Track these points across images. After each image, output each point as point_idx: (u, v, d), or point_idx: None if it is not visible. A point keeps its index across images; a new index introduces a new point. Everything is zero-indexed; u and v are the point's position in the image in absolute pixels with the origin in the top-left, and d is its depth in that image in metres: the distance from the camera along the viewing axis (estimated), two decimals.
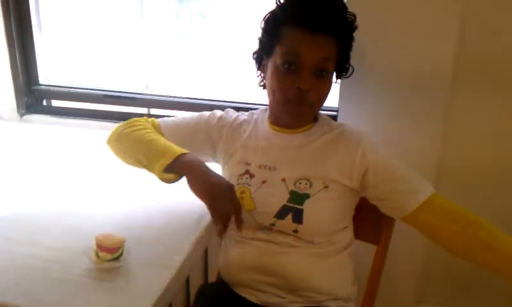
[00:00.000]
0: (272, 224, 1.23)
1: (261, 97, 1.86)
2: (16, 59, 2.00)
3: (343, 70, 1.28)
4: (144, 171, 1.61)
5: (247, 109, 1.85)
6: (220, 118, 1.37)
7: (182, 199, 1.42)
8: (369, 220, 1.33)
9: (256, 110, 1.40)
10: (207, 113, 1.39)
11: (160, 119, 1.39)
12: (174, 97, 1.98)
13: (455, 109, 1.57)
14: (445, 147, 1.61)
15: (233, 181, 1.27)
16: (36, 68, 2.07)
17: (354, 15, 1.21)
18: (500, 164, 1.62)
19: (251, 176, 1.27)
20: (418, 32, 1.50)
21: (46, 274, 1.06)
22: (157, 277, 1.06)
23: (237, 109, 1.86)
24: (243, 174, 1.28)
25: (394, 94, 1.57)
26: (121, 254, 1.08)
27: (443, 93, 1.53)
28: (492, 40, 1.50)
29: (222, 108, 1.42)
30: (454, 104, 1.56)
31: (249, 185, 1.26)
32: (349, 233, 1.32)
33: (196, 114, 1.40)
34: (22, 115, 2.07)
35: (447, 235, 1.17)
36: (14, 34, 1.97)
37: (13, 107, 2.05)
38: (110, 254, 1.07)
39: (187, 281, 1.34)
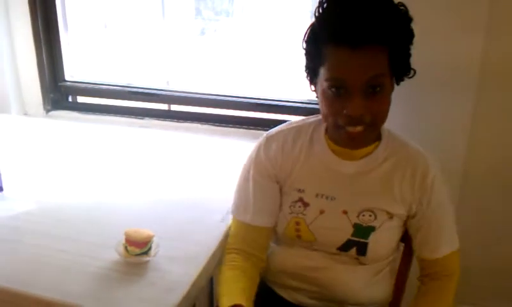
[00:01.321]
0: (334, 254, 1.19)
1: (286, 94, 1.88)
2: (42, 56, 2.03)
3: (403, 74, 1.10)
4: (169, 167, 1.63)
5: (269, 106, 1.87)
6: (268, 158, 1.19)
7: (208, 196, 1.44)
8: None
9: (312, 120, 1.22)
10: (257, 168, 1.21)
11: (243, 221, 1.21)
12: (198, 93, 1.99)
13: (482, 108, 1.55)
14: (472, 146, 1.58)
15: (285, 210, 1.19)
16: (62, 65, 2.09)
17: (403, 5, 1.03)
18: None
19: (305, 204, 1.16)
20: (444, 29, 1.46)
21: (74, 267, 1.08)
22: (185, 272, 1.07)
23: (258, 106, 1.88)
24: (296, 201, 1.17)
25: (420, 91, 1.55)
26: (149, 249, 1.09)
27: (470, 91, 1.50)
28: None
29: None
30: (481, 102, 1.53)
31: (303, 214, 1.16)
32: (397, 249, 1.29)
33: (248, 178, 1.21)
34: (47, 111, 2.09)
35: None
36: (41, 32, 2.00)
37: (39, 103, 2.08)
38: (139, 249, 1.07)
39: (211, 279, 1.34)
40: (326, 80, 1.02)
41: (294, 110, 1.84)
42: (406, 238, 1.32)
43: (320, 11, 1.02)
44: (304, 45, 1.09)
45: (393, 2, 1.01)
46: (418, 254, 1.22)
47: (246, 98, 1.93)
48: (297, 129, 1.21)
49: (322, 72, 1.03)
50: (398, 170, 1.13)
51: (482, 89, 1.51)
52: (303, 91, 1.63)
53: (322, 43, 1.02)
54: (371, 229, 1.14)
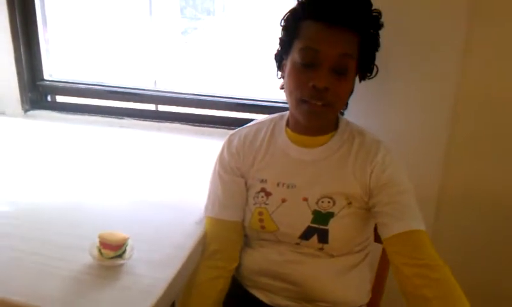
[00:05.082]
0: (297, 244, 1.20)
1: (269, 94, 1.87)
2: (20, 54, 1.99)
3: (367, 70, 1.19)
4: (148, 168, 1.62)
5: (254, 106, 1.86)
6: (231, 153, 1.27)
7: (185, 197, 1.42)
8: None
9: (274, 116, 1.31)
10: (221, 165, 1.28)
11: (212, 217, 1.26)
12: (180, 93, 1.97)
13: (458, 130, 1.56)
14: (447, 169, 1.60)
15: (250, 202, 1.24)
16: (41, 63, 2.06)
17: (379, 12, 1.12)
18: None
19: (268, 194, 1.21)
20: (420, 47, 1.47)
21: (48, 271, 1.05)
22: (160, 276, 1.05)
23: (244, 106, 1.87)
24: (259, 192, 1.22)
25: (395, 112, 1.56)
26: (124, 252, 1.08)
27: (446, 114, 1.52)
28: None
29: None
30: (456, 125, 1.54)
31: (266, 204, 1.21)
32: (370, 242, 1.29)
33: (215, 175, 1.29)
34: (26, 111, 2.06)
35: (399, 271, 1.08)
36: (19, 29, 1.96)
37: (17, 103, 2.04)
38: (113, 252, 1.06)
39: None
40: (300, 50, 1.09)
41: (276, 110, 1.82)
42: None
43: None
44: (283, 23, 1.17)
45: (370, 1, 1.11)
46: (385, 237, 1.12)
47: (227, 98, 1.92)
48: (259, 125, 1.30)
49: (296, 44, 1.11)
50: (352, 153, 1.18)
51: (459, 111, 1.52)
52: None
53: (301, 19, 1.11)
54: (330, 215, 1.16)
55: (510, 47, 1.46)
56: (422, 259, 1.05)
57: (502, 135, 1.55)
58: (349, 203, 1.17)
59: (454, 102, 1.50)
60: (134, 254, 1.09)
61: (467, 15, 1.40)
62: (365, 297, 1.29)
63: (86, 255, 1.07)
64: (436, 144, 1.56)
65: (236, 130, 1.32)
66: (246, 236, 1.30)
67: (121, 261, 1.07)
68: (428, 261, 1.04)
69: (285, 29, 1.17)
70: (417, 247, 1.07)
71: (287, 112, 1.27)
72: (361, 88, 1.23)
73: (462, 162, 1.60)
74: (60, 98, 2.15)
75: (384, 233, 1.12)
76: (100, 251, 1.07)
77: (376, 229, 1.28)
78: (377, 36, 1.15)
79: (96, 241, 1.08)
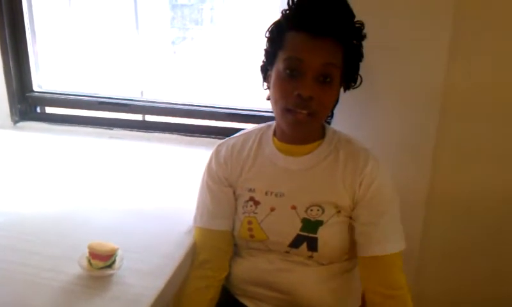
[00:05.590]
0: (287, 252, 1.21)
1: (257, 103, 1.88)
2: (9, 66, 1.99)
3: (351, 80, 1.19)
4: (137, 178, 1.62)
5: (242, 116, 1.88)
6: (219, 163, 1.28)
7: (174, 207, 1.43)
8: None
9: (262, 125, 1.31)
10: (209, 175, 1.29)
11: (201, 227, 1.27)
12: (168, 103, 1.98)
13: (445, 134, 1.57)
14: (435, 176, 1.61)
15: (239, 211, 1.24)
16: (30, 75, 2.06)
17: (362, 23, 1.14)
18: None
19: (256, 203, 1.22)
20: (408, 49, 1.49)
21: (37, 281, 1.06)
22: (150, 285, 1.06)
23: (232, 115, 1.89)
24: (247, 201, 1.23)
25: (382, 115, 1.57)
26: (113, 262, 1.08)
27: (432, 118, 1.53)
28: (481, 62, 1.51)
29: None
30: (443, 129, 1.55)
31: (255, 213, 1.21)
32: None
33: (203, 185, 1.30)
34: (15, 122, 2.06)
35: (368, 297, 1.19)
36: (7, 41, 1.97)
37: (7, 114, 2.04)
38: (102, 262, 1.06)
39: None
40: (284, 60, 1.10)
41: (264, 120, 1.83)
42: None
43: (290, 3, 1.12)
44: (267, 34, 1.18)
45: (353, 13, 1.12)
46: (360, 255, 1.19)
47: (215, 108, 1.93)
48: (246, 134, 1.31)
49: (281, 55, 1.12)
50: (341, 163, 1.19)
51: (445, 115, 1.53)
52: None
53: (285, 30, 1.12)
54: (319, 223, 1.17)
55: (495, 51, 1.48)
56: (389, 289, 1.15)
57: (490, 138, 1.57)
58: (338, 212, 1.18)
59: (440, 107, 1.52)
60: (124, 265, 1.10)
61: (452, 19, 1.42)
62: (355, 305, 1.30)
63: (76, 266, 1.08)
64: (424, 149, 1.57)
65: (224, 140, 1.33)
66: (235, 245, 1.30)
67: (111, 272, 1.07)
68: (391, 292, 1.15)
69: (270, 40, 1.18)
70: (386, 274, 1.16)
71: (274, 122, 1.28)
72: (346, 96, 1.25)
73: (450, 166, 1.61)
74: (49, 109, 2.15)
75: (359, 252, 1.19)
76: (89, 261, 1.07)
77: None
78: (360, 47, 1.16)
79: (86, 251, 1.08)
